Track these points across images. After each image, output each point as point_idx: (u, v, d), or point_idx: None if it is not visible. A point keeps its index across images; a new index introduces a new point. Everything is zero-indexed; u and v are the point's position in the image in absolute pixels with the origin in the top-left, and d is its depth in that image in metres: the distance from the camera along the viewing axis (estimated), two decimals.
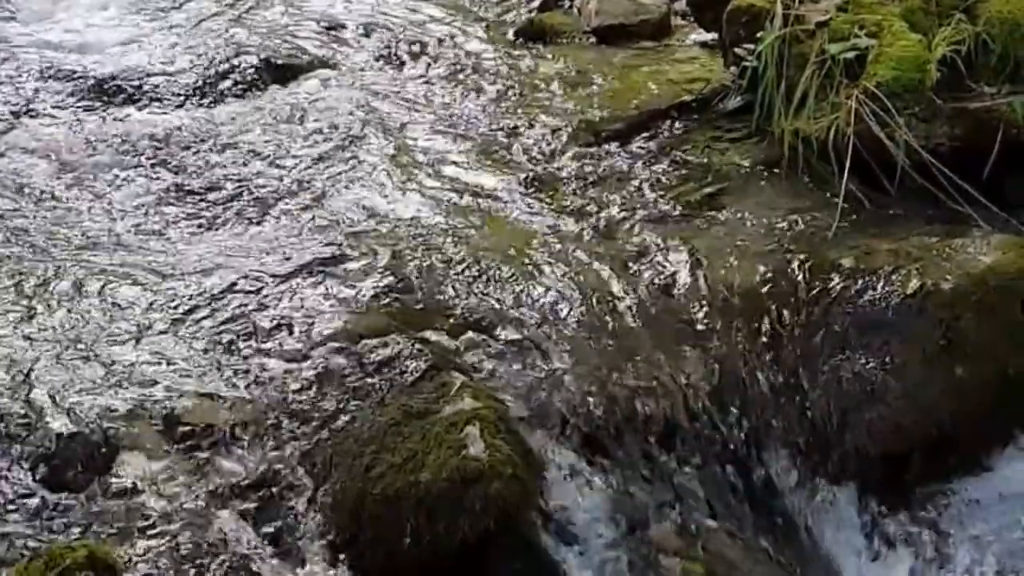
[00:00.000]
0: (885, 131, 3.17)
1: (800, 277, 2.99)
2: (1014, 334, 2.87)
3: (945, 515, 2.82)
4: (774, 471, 2.84)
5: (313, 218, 3.32)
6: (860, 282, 2.94)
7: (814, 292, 2.96)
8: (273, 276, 3.08)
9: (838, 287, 2.95)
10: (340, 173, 3.52)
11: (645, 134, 3.62)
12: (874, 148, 3.20)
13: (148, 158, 3.62)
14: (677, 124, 3.65)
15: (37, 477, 2.58)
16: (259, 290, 3.03)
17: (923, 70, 3.23)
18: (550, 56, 4.15)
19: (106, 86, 3.95)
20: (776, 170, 3.39)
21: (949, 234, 3.07)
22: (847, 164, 3.18)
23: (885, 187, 3.22)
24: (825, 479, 2.83)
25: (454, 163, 3.56)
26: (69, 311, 2.97)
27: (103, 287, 3.07)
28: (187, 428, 2.67)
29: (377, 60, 4.16)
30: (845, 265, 2.99)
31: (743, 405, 2.87)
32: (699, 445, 2.82)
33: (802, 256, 3.05)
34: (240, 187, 3.49)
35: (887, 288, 2.91)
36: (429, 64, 4.12)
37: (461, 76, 4.04)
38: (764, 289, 3.00)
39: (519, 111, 3.80)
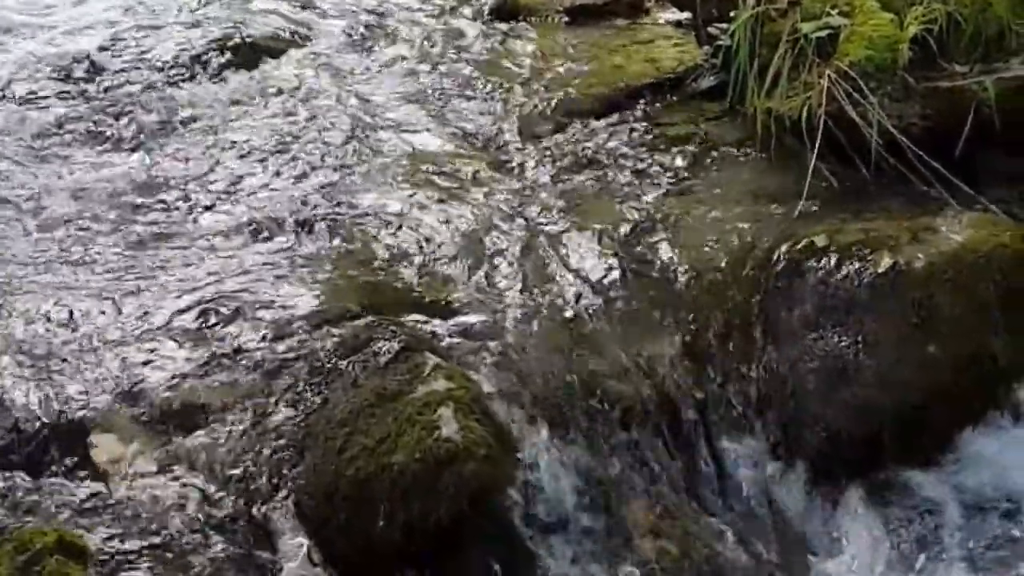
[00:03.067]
0: (857, 110, 3.17)
1: (772, 256, 3.00)
2: (987, 312, 2.88)
3: (916, 494, 2.84)
4: (746, 451, 2.85)
5: (285, 199, 3.31)
6: (833, 260, 2.94)
7: (787, 270, 2.97)
8: (245, 258, 3.07)
9: (811, 265, 2.95)
10: (312, 154, 3.51)
11: (618, 113, 3.62)
12: (847, 127, 3.20)
13: (120, 140, 3.59)
14: (650, 103, 3.64)
15: (8, 461, 2.55)
16: (230, 272, 3.02)
17: (895, 49, 3.24)
18: (523, 35, 4.14)
19: (79, 69, 3.93)
20: (749, 149, 3.39)
21: (922, 213, 3.08)
22: (817, 143, 3.18)
23: (859, 166, 3.22)
24: (797, 458, 2.84)
25: (427, 143, 3.55)
26: (40, 294, 2.95)
27: (74, 269, 3.05)
28: (159, 411, 2.66)
29: (351, 39, 4.14)
30: (818, 244, 2.99)
31: (715, 385, 2.87)
32: (672, 425, 2.83)
33: (775, 235, 3.05)
34: (212, 169, 3.47)
35: (860, 266, 2.92)
36: (402, 43, 4.11)
37: (434, 55, 4.02)
38: (736, 268, 3.01)
39: (491, 90, 3.79)
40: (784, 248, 3.00)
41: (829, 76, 3.21)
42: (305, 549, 2.49)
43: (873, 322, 2.86)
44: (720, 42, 3.55)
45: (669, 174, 3.36)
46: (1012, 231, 2.98)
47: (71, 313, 2.89)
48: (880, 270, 2.91)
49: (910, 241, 2.96)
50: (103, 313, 2.89)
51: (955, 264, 2.89)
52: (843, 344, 2.85)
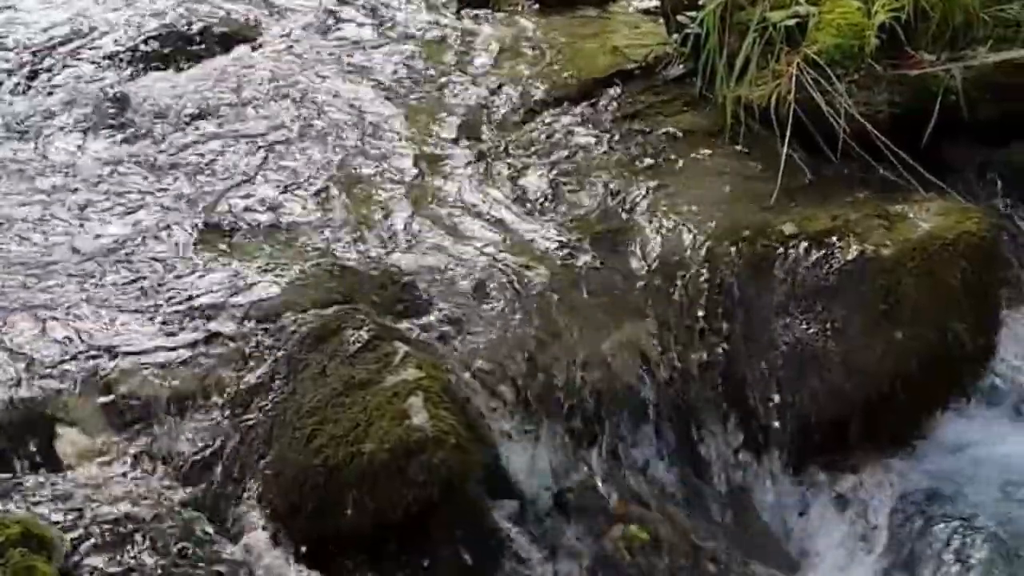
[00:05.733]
0: (825, 98, 3.19)
1: (742, 243, 3.01)
2: (953, 299, 2.90)
3: (884, 480, 2.86)
4: (715, 437, 2.86)
5: (252, 188, 3.29)
6: (801, 248, 2.96)
7: (756, 258, 2.98)
8: (213, 245, 3.05)
9: (779, 253, 2.96)
10: (278, 143, 3.49)
11: (588, 102, 3.61)
12: (815, 115, 3.22)
13: (85, 127, 3.57)
14: (620, 92, 3.63)
15: None
16: (197, 263, 3.00)
17: (863, 37, 3.25)
18: (493, 24, 4.12)
19: (42, 61, 3.90)
20: (719, 137, 3.39)
21: (890, 200, 3.10)
22: (788, 131, 3.19)
23: (827, 154, 3.23)
24: (766, 445, 2.85)
25: (396, 131, 3.54)
26: (3, 288, 2.92)
27: (39, 262, 3.02)
28: (126, 402, 2.64)
29: (317, 28, 4.12)
30: (786, 231, 3.00)
31: (685, 371, 2.88)
32: (642, 412, 2.84)
33: (743, 222, 3.06)
34: (178, 155, 3.45)
35: (828, 254, 2.94)
36: (369, 31, 4.09)
37: (402, 44, 4.01)
38: (705, 256, 3.01)
39: (461, 79, 3.78)
40: (753, 236, 3.01)
41: (797, 64, 3.22)
42: (274, 538, 2.48)
43: (841, 309, 2.87)
44: (689, 30, 3.54)
45: (638, 162, 3.36)
46: (978, 218, 3.01)
47: (35, 305, 2.86)
48: (848, 257, 2.92)
49: (878, 228, 2.98)
50: (68, 305, 2.86)
51: (922, 251, 2.91)
52: (811, 331, 2.87)
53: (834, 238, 2.96)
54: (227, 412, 2.62)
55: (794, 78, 3.21)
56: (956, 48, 3.27)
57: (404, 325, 2.81)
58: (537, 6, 4.23)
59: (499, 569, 2.59)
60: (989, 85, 3.24)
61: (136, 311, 2.85)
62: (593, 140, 3.47)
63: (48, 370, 2.68)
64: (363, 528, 2.48)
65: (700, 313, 2.93)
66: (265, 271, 2.95)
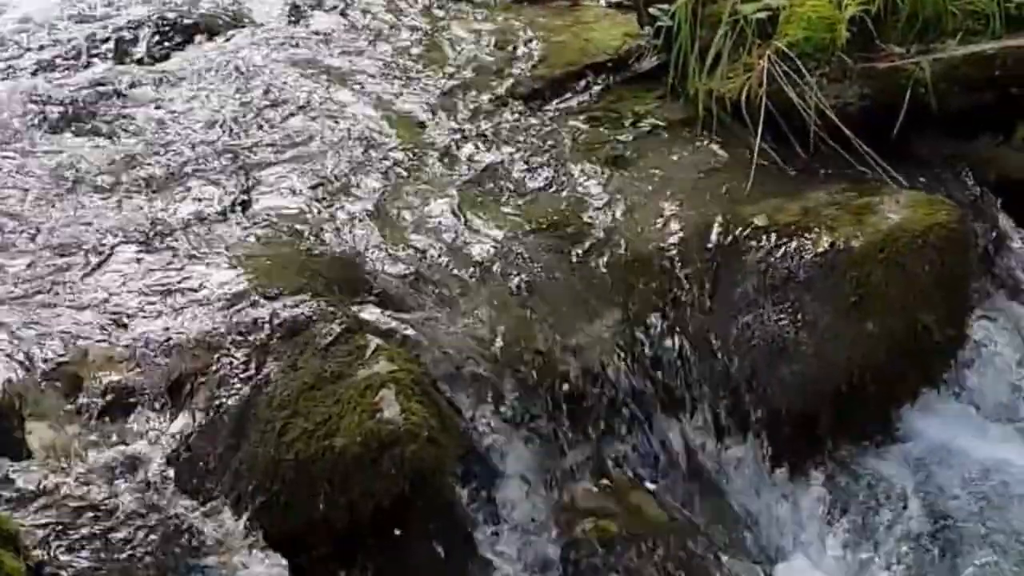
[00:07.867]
0: (796, 91, 3.20)
1: (713, 235, 3.02)
2: (923, 290, 2.93)
3: (855, 471, 2.87)
4: (687, 429, 2.87)
5: (225, 178, 3.27)
6: (772, 240, 2.97)
7: (727, 250, 2.99)
8: (183, 240, 3.04)
9: (751, 245, 2.97)
10: (249, 134, 3.47)
11: (561, 94, 3.61)
12: (786, 108, 3.23)
13: (65, 118, 3.54)
14: (593, 84, 3.64)
15: None
16: (168, 255, 2.98)
17: (833, 30, 3.26)
18: (466, 15, 4.11)
19: (21, 49, 3.87)
20: (691, 130, 3.40)
21: (860, 192, 3.12)
22: (760, 124, 3.20)
23: (799, 146, 3.25)
24: (737, 436, 2.87)
25: (370, 123, 3.52)
26: None
27: (6, 249, 3.00)
28: (94, 392, 2.62)
29: (289, 20, 4.10)
30: (758, 223, 3.02)
31: (657, 363, 2.89)
32: (614, 403, 2.84)
33: (715, 215, 3.07)
34: (155, 145, 3.43)
35: (799, 246, 2.95)
36: (345, 22, 4.07)
37: (377, 35, 3.99)
38: (678, 248, 3.02)
39: (432, 71, 3.77)
40: (724, 228, 3.02)
41: (768, 57, 3.23)
42: (246, 532, 2.47)
43: (811, 300, 2.89)
44: (661, 23, 3.55)
45: (610, 154, 3.36)
46: (948, 210, 3.03)
47: (3, 299, 2.84)
48: (819, 249, 2.94)
49: (848, 220, 2.99)
50: (35, 298, 2.84)
51: (892, 243, 2.93)
52: (782, 322, 2.88)
53: (805, 230, 2.97)
54: (198, 405, 2.60)
55: (765, 71, 3.22)
56: (926, 41, 3.29)
57: (377, 317, 2.80)
58: None
59: (471, 562, 2.59)
60: (958, 78, 3.26)
61: (106, 303, 2.83)
62: (565, 133, 3.47)
63: (16, 363, 2.66)
64: (336, 522, 2.48)
65: (670, 305, 2.94)
66: (237, 263, 2.94)
